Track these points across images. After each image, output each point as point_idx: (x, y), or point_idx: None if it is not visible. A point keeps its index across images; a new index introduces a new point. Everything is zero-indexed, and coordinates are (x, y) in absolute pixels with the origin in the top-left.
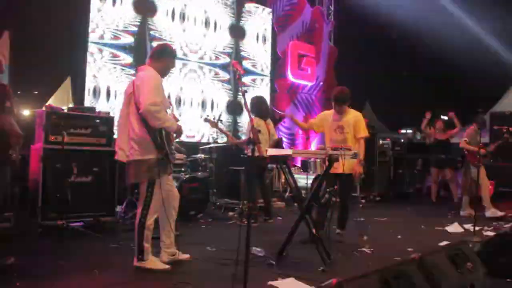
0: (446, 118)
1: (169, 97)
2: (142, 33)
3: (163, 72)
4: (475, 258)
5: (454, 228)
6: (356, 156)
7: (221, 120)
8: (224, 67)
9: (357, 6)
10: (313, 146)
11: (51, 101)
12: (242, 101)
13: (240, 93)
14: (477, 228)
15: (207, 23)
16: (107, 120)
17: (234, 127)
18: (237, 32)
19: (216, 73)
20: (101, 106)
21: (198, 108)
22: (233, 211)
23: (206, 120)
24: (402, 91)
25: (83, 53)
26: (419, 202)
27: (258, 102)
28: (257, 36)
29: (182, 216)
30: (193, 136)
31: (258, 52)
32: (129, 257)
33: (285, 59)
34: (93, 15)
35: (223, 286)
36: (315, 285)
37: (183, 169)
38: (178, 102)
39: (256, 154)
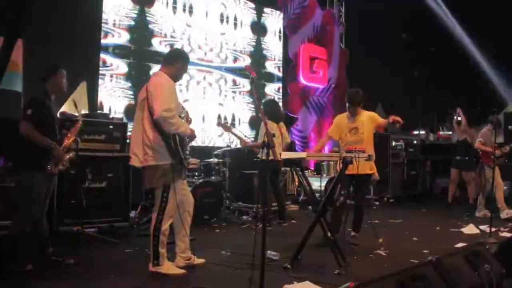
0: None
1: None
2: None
3: (176, 77)
4: (493, 260)
5: (469, 229)
6: (371, 158)
7: (234, 124)
8: (241, 73)
9: (367, 7)
10: (326, 148)
11: (64, 108)
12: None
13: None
14: (493, 229)
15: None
16: (121, 126)
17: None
18: (258, 29)
19: (234, 82)
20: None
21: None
22: (247, 215)
23: (219, 124)
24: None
25: (97, 59)
26: (433, 203)
27: (271, 105)
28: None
29: (196, 220)
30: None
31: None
32: (144, 262)
33: (297, 62)
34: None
35: None
36: None
37: (196, 174)
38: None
39: (271, 157)
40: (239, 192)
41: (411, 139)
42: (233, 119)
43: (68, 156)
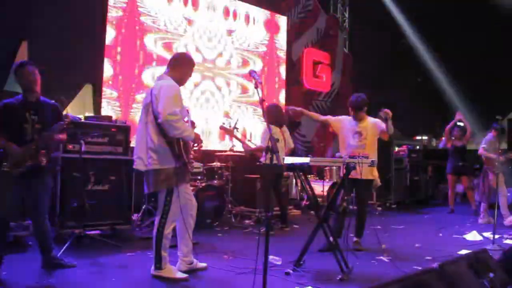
0: (462, 124)
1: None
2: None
3: (181, 81)
4: (497, 267)
5: (472, 236)
6: (374, 164)
7: (237, 128)
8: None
9: (371, 13)
10: (329, 153)
11: (67, 110)
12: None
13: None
14: (496, 236)
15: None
16: (124, 128)
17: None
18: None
19: (244, 89)
20: None
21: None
22: (250, 219)
23: (222, 127)
24: (417, 98)
25: (101, 62)
26: (436, 209)
27: (274, 109)
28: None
29: (199, 224)
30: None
31: None
32: (146, 266)
33: (300, 66)
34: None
35: None
36: None
37: (199, 177)
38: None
39: (274, 161)
40: (242, 196)
41: (413, 144)
42: (236, 123)
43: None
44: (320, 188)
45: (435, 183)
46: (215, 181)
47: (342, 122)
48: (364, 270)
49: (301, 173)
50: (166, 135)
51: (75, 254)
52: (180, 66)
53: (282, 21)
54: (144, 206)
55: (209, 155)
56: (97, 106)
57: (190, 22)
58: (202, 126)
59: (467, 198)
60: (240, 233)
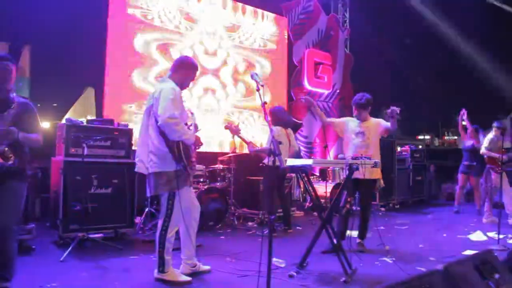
0: (464, 122)
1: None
2: None
3: (183, 84)
4: (502, 268)
5: (477, 236)
6: (377, 165)
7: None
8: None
9: (372, 13)
10: (331, 154)
11: (70, 113)
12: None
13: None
14: (500, 236)
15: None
16: (126, 132)
17: None
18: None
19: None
20: None
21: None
22: (252, 221)
23: (227, 127)
24: (419, 97)
25: (102, 65)
26: (439, 209)
27: (278, 111)
28: None
29: (201, 226)
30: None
31: None
32: (149, 269)
33: (302, 67)
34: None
35: None
36: None
37: (202, 180)
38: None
39: (277, 163)
40: (244, 198)
41: (416, 144)
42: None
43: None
44: (323, 189)
45: (438, 183)
46: (218, 184)
47: (346, 124)
48: (368, 272)
49: (303, 175)
50: (167, 138)
51: (78, 257)
52: (181, 69)
53: (283, 22)
54: (147, 209)
55: (212, 158)
56: (99, 109)
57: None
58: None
59: (470, 197)
60: (243, 235)
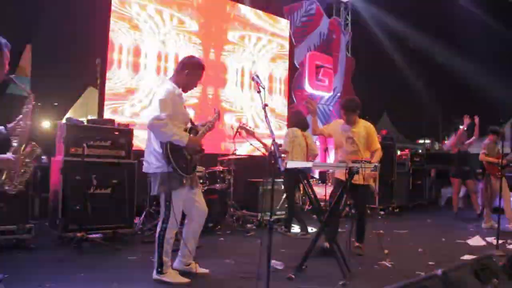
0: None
1: None
2: None
3: (186, 85)
4: (501, 274)
5: (475, 241)
6: (376, 168)
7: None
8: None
9: (373, 16)
10: (331, 157)
11: (70, 113)
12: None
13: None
14: (500, 241)
15: None
16: (126, 132)
17: None
18: None
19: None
20: None
21: None
22: (252, 223)
23: (241, 127)
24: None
25: (103, 65)
26: (439, 213)
27: (295, 113)
28: None
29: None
30: None
31: None
32: (148, 270)
33: (303, 70)
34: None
35: None
36: None
37: (201, 181)
38: None
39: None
40: (244, 200)
41: (416, 148)
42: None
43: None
44: (322, 192)
45: (438, 187)
46: (217, 185)
47: (334, 127)
48: (366, 275)
49: (304, 178)
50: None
51: (76, 257)
52: (184, 70)
53: (285, 25)
54: (146, 209)
55: (211, 159)
56: (100, 109)
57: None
58: None
59: (469, 202)
60: (242, 237)
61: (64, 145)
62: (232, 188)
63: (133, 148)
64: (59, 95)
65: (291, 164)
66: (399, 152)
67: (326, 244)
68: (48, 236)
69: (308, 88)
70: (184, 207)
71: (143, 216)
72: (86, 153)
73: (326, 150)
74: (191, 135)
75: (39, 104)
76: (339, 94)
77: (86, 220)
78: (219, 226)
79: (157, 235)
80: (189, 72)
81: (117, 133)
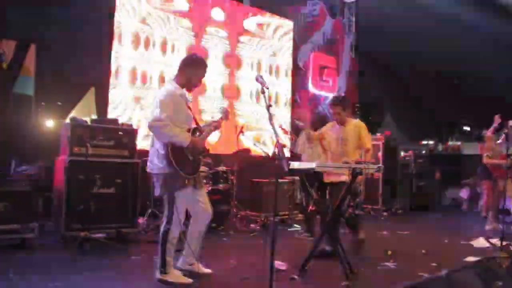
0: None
1: None
2: None
3: (188, 84)
4: (505, 275)
5: (479, 242)
6: (381, 169)
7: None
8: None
9: (378, 17)
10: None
11: (74, 113)
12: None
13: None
14: (504, 243)
15: None
16: (130, 132)
17: None
18: None
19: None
20: None
21: None
22: (255, 223)
23: (281, 127)
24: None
25: (106, 65)
26: (442, 215)
27: (320, 117)
28: None
29: None
30: None
31: None
32: (151, 270)
33: (306, 70)
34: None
35: None
36: None
37: (205, 181)
38: None
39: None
40: (248, 200)
41: (420, 149)
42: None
43: None
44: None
45: (442, 189)
46: (221, 185)
47: (325, 129)
48: (370, 277)
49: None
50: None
51: (80, 256)
52: (189, 68)
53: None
54: (150, 209)
55: (215, 159)
56: (103, 108)
57: None
58: None
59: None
60: (245, 237)
61: (68, 145)
62: (235, 188)
63: (137, 148)
64: (63, 95)
65: (294, 165)
66: (402, 153)
67: (328, 247)
68: (51, 235)
69: (311, 89)
70: (188, 208)
71: (146, 216)
72: (90, 153)
73: (326, 151)
74: (197, 134)
75: (42, 103)
76: (342, 95)
77: (89, 219)
78: (222, 227)
79: (160, 235)
80: (192, 70)
81: (120, 132)
